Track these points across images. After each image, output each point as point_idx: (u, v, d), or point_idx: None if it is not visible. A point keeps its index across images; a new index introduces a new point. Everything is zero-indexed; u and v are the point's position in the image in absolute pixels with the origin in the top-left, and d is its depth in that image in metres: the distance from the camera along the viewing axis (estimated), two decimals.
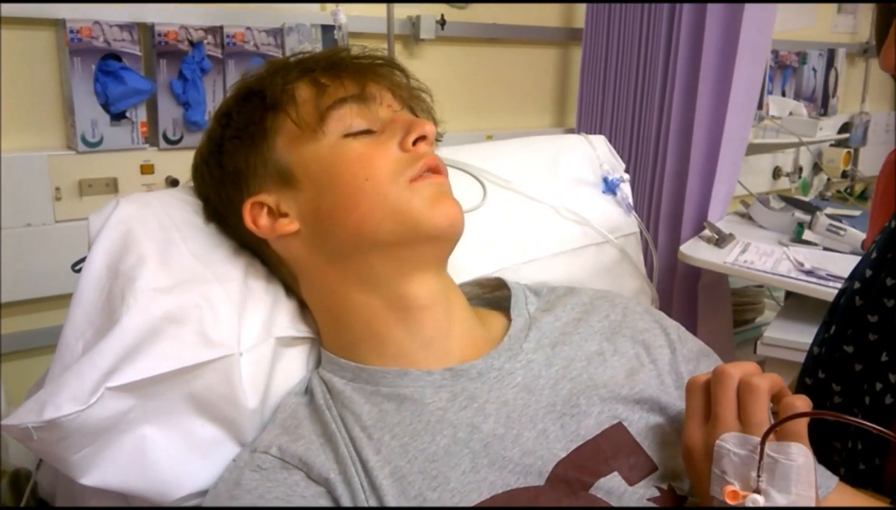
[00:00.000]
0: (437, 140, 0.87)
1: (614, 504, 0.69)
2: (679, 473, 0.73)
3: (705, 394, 0.68)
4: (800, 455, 0.60)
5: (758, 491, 0.60)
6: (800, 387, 0.92)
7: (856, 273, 0.86)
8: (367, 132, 0.79)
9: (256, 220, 0.80)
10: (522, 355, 0.80)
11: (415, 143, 0.78)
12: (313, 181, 0.78)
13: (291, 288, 0.85)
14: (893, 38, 0.76)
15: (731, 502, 0.60)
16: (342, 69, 0.80)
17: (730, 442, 0.63)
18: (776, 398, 0.66)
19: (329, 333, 0.83)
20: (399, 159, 0.77)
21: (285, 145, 0.79)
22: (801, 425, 0.62)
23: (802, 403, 0.63)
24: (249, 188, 0.81)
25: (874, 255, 0.83)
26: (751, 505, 0.60)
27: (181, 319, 0.75)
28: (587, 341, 0.82)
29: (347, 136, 0.78)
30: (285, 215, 0.80)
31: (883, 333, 0.78)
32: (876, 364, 0.77)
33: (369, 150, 0.78)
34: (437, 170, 0.79)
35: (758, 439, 0.61)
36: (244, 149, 0.81)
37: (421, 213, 0.76)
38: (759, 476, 0.60)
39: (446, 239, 0.79)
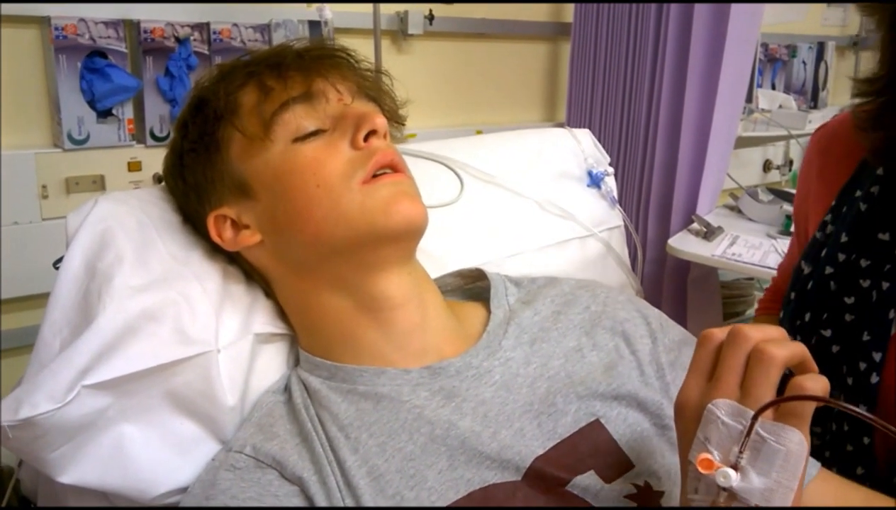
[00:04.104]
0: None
1: (590, 501, 0.69)
2: (655, 470, 0.73)
3: (717, 351, 0.60)
4: (792, 441, 0.54)
5: (735, 467, 0.55)
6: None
7: (829, 257, 0.86)
8: (318, 132, 0.77)
9: (221, 233, 0.80)
10: (501, 353, 0.79)
11: (367, 138, 0.76)
12: (268, 191, 0.77)
13: (267, 291, 0.85)
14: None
15: (702, 471, 0.56)
16: (286, 68, 0.78)
17: (722, 409, 0.57)
18: (798, 370, 0.58)
19: (304, 334, 0.82)
20: (351, 159, 0.75)
21: (238, 156, 0.78)
22: (806, 410, 0.55)
23: (814, 385, 0.55)
24: (211, 202, 0.80)
25: (844, 239, 0.83)
26: (721, 479, 0.54)
27: (158, 317, 0.75)
28: (565, 337, 0.82)
29: (297, 140, 0.76)
30: (247, 227, 0.79)
31: (861, 314, 0.78)
32: (857, 344, 0.77)
33: (320, 152, 0.76)
34: (393, 166, 0.77)
35: (751, 412, 0.55)
36: (201, 162, 0.80)
37: (374, 218, 0.74)
38: (740, 452, 0.55)
39: (406, 238, 0.77)
